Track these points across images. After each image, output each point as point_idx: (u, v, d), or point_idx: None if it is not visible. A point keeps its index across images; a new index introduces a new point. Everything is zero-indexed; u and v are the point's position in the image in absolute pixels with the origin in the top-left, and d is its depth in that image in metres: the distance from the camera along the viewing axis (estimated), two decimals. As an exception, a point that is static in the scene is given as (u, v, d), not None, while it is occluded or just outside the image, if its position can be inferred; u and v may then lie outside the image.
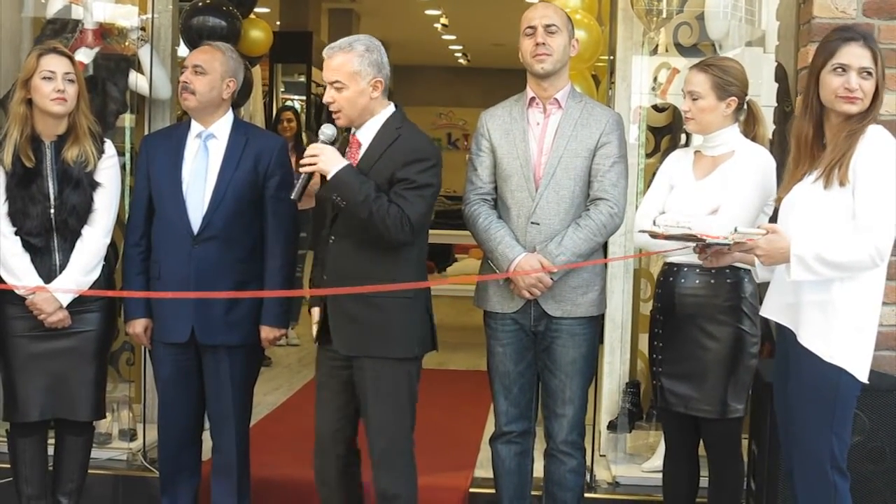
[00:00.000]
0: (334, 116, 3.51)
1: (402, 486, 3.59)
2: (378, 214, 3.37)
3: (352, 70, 3.44)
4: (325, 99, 3.50)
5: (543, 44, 3.61)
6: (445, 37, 14.81)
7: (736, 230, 3.06)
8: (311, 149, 3.45)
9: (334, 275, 3.50)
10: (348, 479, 3.69)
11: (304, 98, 11.50)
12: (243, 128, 3.96)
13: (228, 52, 3.94)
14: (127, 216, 4.03)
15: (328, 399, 3.62)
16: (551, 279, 3.59)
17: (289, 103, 10.83)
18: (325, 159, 3.41)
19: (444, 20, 13.13)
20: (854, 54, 3.09)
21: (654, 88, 4.72)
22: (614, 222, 3.66)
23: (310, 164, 3.43)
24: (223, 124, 3.88)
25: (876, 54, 3.09)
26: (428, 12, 12.86)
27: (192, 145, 3.86)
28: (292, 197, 3.49)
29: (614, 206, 3.63)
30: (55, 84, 3.68)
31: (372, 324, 3.48)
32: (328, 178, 3.42)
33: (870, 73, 3.08)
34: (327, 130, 3.49)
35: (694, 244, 3.18)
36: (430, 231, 3.78)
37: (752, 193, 3.50)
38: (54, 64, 3.69)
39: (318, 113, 11.48)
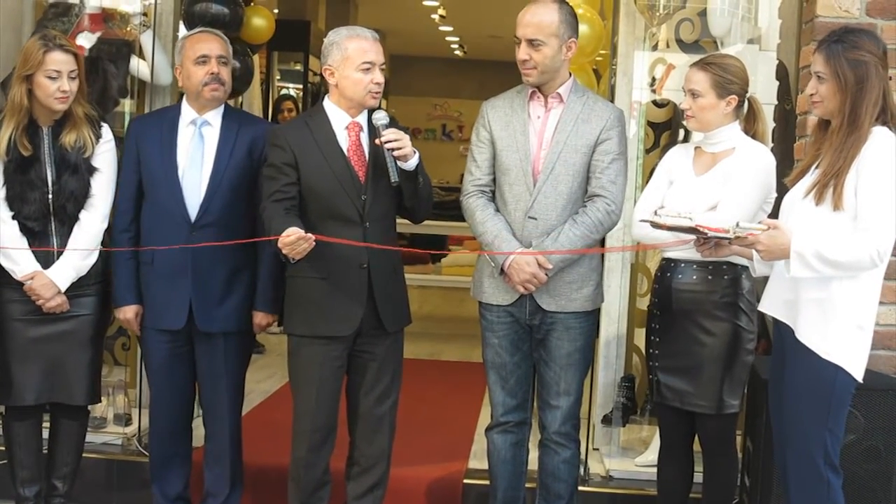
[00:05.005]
0: (375, 100, 3.58)
1: (391, 444, 3.80)
2: (431, 189, 3.69)
3: None
4: (380, 80, 3.55)
5: (526, 60, 3.58)
6: (442, 28, 14.76)
7: (738, 225, 3.05)
8: (394, 133, 3.46)
9: (377, 257, 3.58)
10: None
11: (300, 86, 11.47)
12: (234, 114, 3.95)
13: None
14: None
15: (331, 393, 3.67)
16: (546, 275, 3.59)
17: (286, 92, 10.82)
18: (407, 142, 3.47)
19: (441, 11, 13.08)
20: (814, 59, 3.14)
21: (650, 84, 4.72)
22: (611, 219, 3.64)
23: (398, 148, 3.45)
24: (217, 111, 3.86)
25: (829, 57, 3.07)
26: (425, 3, 12.81)
27: (185, 132, 3.83)
28: (395, 181, 3.48)
29: (611, 203, 3.61)
30: (60, 83, 3.65)
31: (401, 296, 3.75)
32: (410, 161, 3.49)
33: (820, 77, 3.10)
34: (384, 114, 3.53)
35: (694, 236, 3.17)
36: (425, 222, 3.82)
37: (752, 191, 3.51)
38: (60, 63, 3.65)
39: (315, 102, 11.43)
